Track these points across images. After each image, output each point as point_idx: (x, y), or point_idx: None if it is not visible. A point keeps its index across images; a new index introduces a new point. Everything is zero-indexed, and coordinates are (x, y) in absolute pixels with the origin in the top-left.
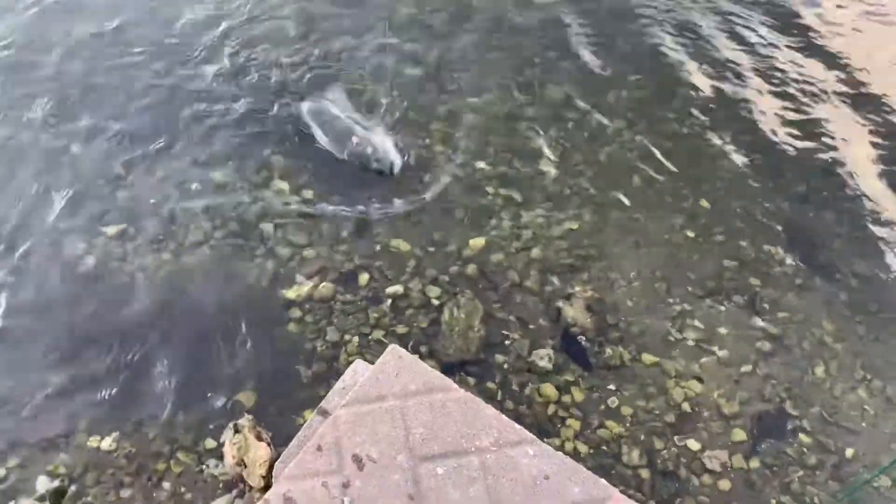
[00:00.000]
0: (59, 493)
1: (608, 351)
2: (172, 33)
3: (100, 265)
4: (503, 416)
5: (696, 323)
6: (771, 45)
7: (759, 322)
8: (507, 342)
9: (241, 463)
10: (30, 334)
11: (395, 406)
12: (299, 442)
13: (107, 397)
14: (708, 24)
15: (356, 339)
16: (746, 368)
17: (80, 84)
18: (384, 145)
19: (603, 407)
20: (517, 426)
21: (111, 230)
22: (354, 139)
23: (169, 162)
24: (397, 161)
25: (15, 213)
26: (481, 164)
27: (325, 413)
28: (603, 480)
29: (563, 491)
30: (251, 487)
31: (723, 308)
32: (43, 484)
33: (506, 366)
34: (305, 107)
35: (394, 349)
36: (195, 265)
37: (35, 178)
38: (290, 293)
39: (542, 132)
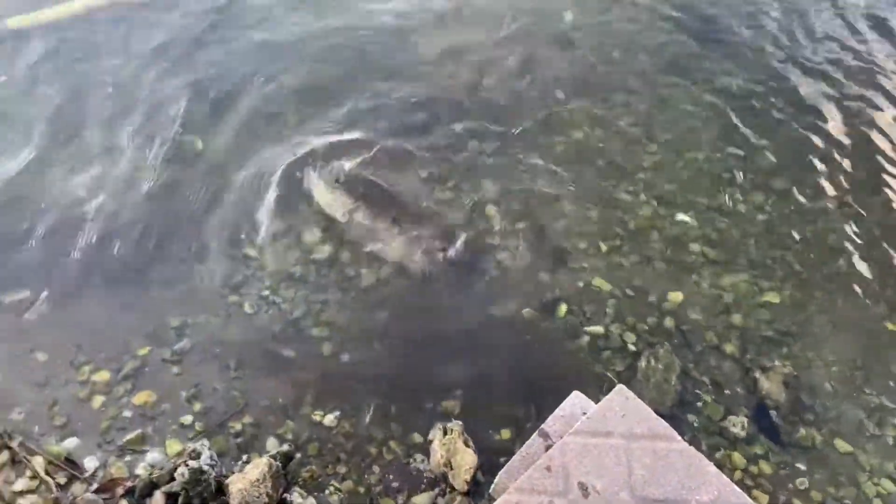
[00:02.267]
0: (286, 456)
1: (801, 431)
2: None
3: (332, 255)
4: (723, 475)
5: (895, 421)
6: None
7: None
8: (699, 403)
9: (448, 464)
10: (264, 305)
11: (620, 444)
12: (522, 458)
13: (331, 377)
14: None
15: (553, 369)
16: None
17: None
18: None
19: (791, 486)
20: (737, 489)
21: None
22: None
23: (400, 174)
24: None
25: (257, 199)
26: (685, 219)
27: (546, 436)
28: None
29: None
30: (453, 489)
31: None
32: (273, 445)
33: (697, 425)
34: None
35: (621, 389)
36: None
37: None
38: (496, 310)
39: (748, 197)
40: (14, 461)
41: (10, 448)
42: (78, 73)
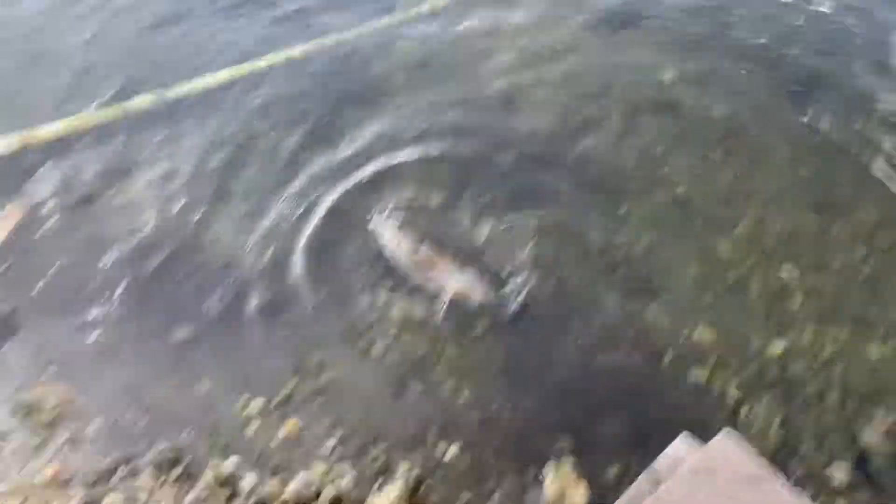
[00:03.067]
0: (416, 482)
1: None
2: None
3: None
4: None
5: None
6: None
7: None
8: (801, 450)
9: (561, 499)
10: (392, 346)
11: (727, 485)
12: (632, 495)
13: (452, 413)
14: None
15: (659, 413)
16: None
17: None
18: None
19: None
20: None
21: None
22: None
23: (507, 230)
24: None
25: None
26: (786, 270)
27: (654, 474)
28: None
29: None
30: None
31: None
32: (403, 471)
33: (799, 471)
34: None
35: (729, 432)
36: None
37: None
38: (603, 356)
39: (850, 251)
40: (187, 475)
41: (182, 463)
42: (227, 135)
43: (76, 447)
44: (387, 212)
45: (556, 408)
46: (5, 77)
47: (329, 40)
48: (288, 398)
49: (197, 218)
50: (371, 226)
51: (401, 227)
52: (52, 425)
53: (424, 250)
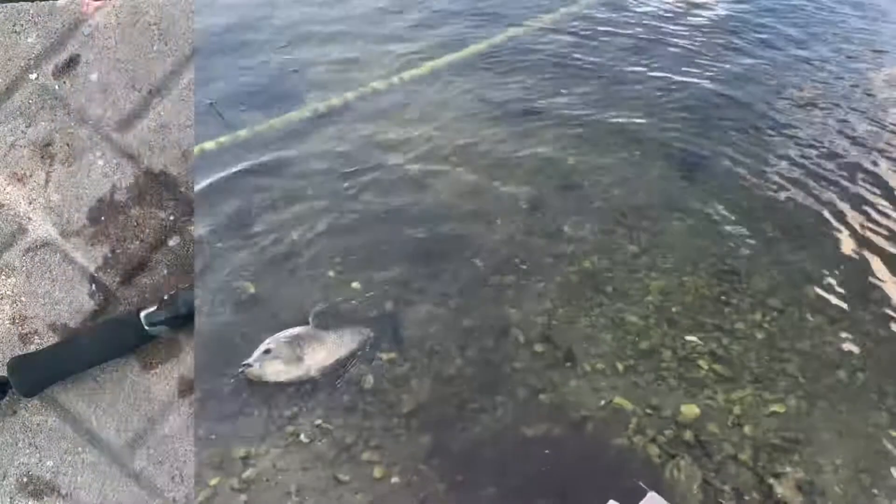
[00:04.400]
0: None
1: None
2: None
3: (374, 384)
4: None
5: None
6: None
7: None
8: None
9: None
10: (319, 434)
11: None
12: None
13: (383, 498)
14: None
15: (585, 482)
16: None
17: None
18: None
19: None
20: None
21: None
22: None
23: (415, 307)
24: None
25: None
26: (692, 339)
27: None
28: None
29: None
30: None
31: None
32: None
33: None
34: None
35: (652, 497)
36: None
37: None
38: (528, 430)
39: (748, 316)
40: None
41: None
42: None
43: None
44: (257, 355)
45: (486, 484)
46: None
47: None
48: (210, 498)
49: None
50: (251, 374)
51: (277, 358)
52: None
53: (308, 360)
